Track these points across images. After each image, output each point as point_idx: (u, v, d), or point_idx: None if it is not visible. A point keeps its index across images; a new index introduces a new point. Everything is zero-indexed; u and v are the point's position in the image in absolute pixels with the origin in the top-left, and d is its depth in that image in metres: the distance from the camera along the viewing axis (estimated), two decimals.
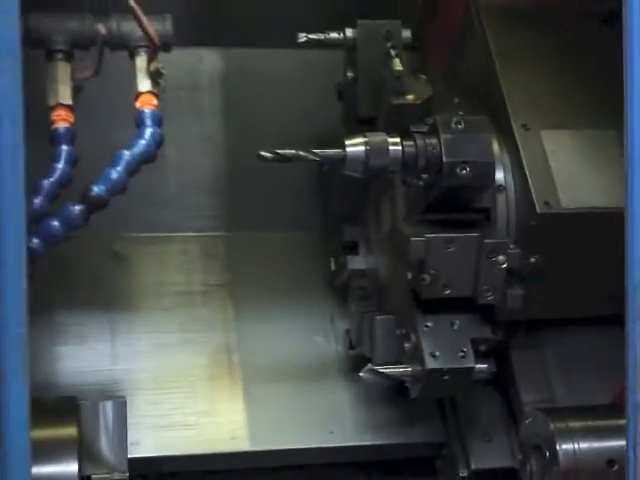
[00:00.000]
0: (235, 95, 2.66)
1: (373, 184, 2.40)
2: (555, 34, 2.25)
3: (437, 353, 2.06)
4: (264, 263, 2.65)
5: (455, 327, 2.10)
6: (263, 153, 1.97)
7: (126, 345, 2.47)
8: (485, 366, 2.13)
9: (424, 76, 2.16)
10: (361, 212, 2.49)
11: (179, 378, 2.46)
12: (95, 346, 2.45)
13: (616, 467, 1.95)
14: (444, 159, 1.93)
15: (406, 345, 2.14)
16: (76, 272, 2.42)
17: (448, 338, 2.09)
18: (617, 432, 1.98)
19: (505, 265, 2.03)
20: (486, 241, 2.01)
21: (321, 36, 2.21)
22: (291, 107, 2.66)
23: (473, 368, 2.08)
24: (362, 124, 2.28)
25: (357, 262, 2.48)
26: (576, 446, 1.97)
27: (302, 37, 2.20)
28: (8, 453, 1.35)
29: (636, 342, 1.44)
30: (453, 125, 1.96)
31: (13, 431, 1.36)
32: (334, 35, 2.21)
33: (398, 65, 2.14)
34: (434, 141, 1.95)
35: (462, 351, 2.07)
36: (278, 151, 1.99)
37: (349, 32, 2.21)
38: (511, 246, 2.03)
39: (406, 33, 2.25)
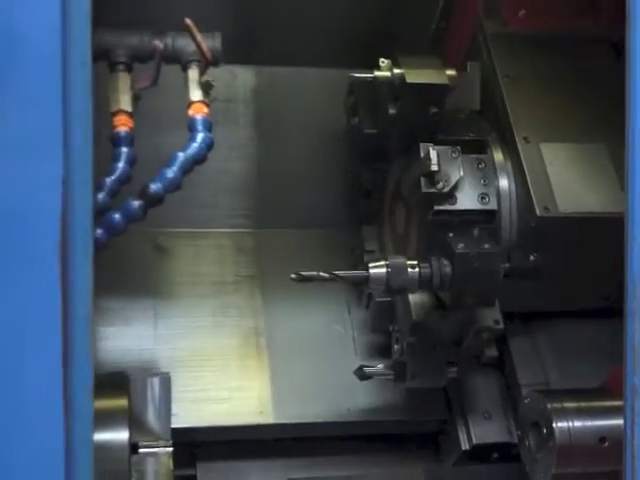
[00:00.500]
0: (265, 108, 2.65)
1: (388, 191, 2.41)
2: (553, 58, 2.25)
3: None
4: (289, 257, 2.62)
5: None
6: (293, 276, 2.02)
7: (166, 327, 2.45)
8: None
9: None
10: (377, 216, 2.49)
11: (213, 357, 2.45)
12: (139, 328, 2.43)
13: (607, 444, 1.94)
14: (454, 287, 1.96)
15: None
16: (123, 262, 2.40)
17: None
18: (607, 412, 1.99)
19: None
20: None
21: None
22: (315, 120, 2.64)
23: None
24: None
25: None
26: (570, 424, 1.96)
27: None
28: (74, 421, 1.34)
29: (634, 331, 1.43)
30: (467, 251, 1.94)
31: (79, 401, 1.34)
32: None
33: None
34: (448, 270, 1.96)
35: None
36: (303, 273, 2.02)
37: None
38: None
39: None
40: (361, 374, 2.28)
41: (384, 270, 1.98)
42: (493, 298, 2.03)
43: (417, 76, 2.07)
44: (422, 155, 1.99)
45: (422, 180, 1.99)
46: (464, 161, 2.02)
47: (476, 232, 1.99)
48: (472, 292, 1.97)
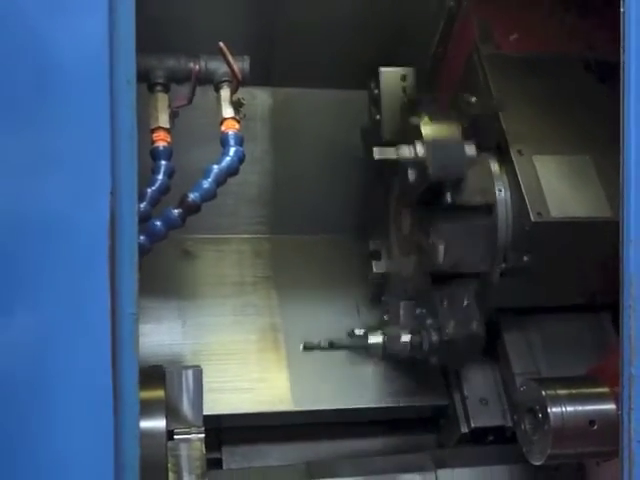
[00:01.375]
0: (281, 125, 2.62)
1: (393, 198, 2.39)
2: (543, 78, 2.22)
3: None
4: (303, 260, 2.61)
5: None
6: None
7: (193, 324, 2.43)
8: None
9: None
10: (384, 222, 2.46)
11: (235, 351, 2.42)
12: (169, 325, 2.40)
13: (596, 427, 1.92)
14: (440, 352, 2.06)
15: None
16: (155, 266, 2.35)
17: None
18: (596, 398, 1.97)
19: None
20: None
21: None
22: (326, 136, 2.61)
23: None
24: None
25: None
26: (563, 409, 1.93)
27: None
28: (123, 409, 1.31)
29: (630, 325, 1.40)
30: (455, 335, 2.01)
31: (126, 391, 1.32)
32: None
33: None
34: (435, 339, 2.03)
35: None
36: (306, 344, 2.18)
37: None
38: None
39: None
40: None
41: (381, 338, 2.10)
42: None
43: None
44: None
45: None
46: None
47: (465, 302, 2.04)
48: (455, 359, 2.12)
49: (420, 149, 1.96)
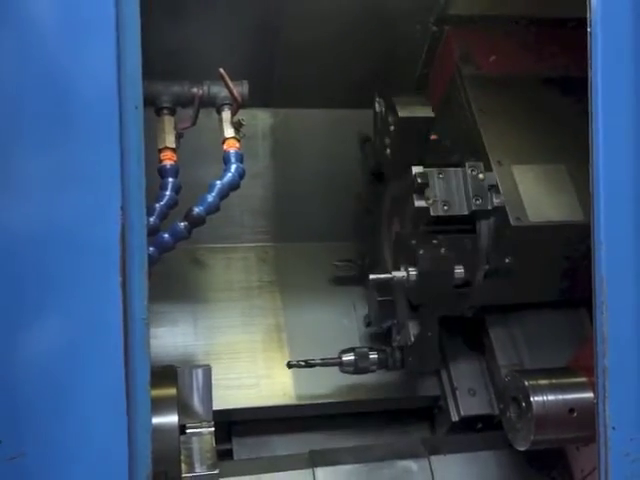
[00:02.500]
0: (281, 143, 2.61)
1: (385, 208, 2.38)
2: (520, 95, 2.21)
3: None
4: (304, 266, 2.60)
5: None
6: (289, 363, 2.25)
7: (204, 326, 2.42)
8: None
9: None
10: (377, 229, 2.45)
11: (242, 350, 2.41)
12: (182, 327, 2.40)
13: (575, 414, 1.89)
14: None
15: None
16: (168, 273, 2.35)
17: None
18: (575, 387, 1.95)
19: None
20: None
21: None
22: (323, 153, 2.60)
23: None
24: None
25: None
26: (545, 398, 1.91)
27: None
28: (135, 407, 1.30)
29: (602, 320, 1.39)
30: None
31: (139, 390, 1.31)
32: None
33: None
34: (398, 356, 2.21)
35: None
36: (291, 362, 2.24)
37: None
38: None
39: None
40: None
41: (352, 356, 2.21)
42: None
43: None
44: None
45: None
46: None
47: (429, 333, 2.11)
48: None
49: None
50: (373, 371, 2.24)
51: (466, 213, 2.01)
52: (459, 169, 2.04)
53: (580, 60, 1.53)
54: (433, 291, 2.03)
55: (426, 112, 2.12)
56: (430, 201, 1.99)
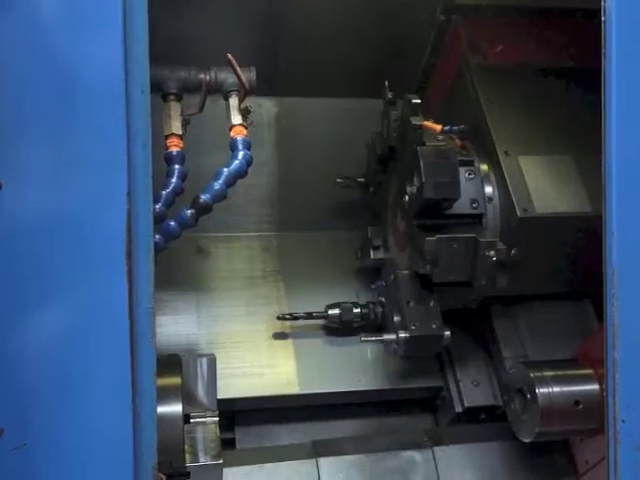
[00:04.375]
0: (286, 132, 2.58)
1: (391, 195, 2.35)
2: (527, 85, 2.18)
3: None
4: (307, 254, 2.57)
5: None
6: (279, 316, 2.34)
7: (207, 315, 2.38)
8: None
9: None
10: (381, 218, 2.42)
11: (246, 339, 2.37)
12: (185, 316, 2.36)
13: (581, 406, 1.87)
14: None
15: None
16: (171, 262, 2.31)
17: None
18: (581, 380, 1.93)
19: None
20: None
21: None
22: (328, 142, 2.57)
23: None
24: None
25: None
26: (550, 390, 1.89)
27: None
28: (141, 396, 1.27)
29: (613, 312, 1.36)
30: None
31: (144, 379, 1.28)
32: None
33: None
34: (379, 310, 2.27)
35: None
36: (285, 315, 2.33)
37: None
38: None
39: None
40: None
41: (338, 310, 2.30)
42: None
43: None
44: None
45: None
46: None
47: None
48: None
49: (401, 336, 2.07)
50: (357, 326, 2.30)
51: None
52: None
53: (589, 51, 1.50)
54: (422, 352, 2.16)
55: None
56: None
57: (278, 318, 2.31)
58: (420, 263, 2.02)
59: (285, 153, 2.58)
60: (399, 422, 2.42)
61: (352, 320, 2.30)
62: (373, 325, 2.30)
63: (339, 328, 2.36)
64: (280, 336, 2.39)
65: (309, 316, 2.30)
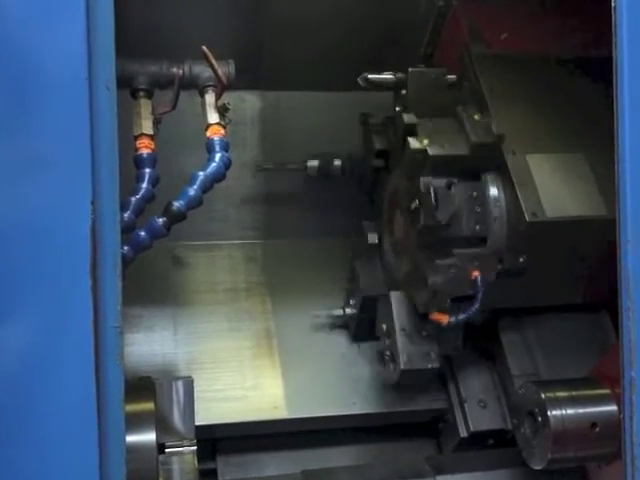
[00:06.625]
0: (270, 129, 2.59)
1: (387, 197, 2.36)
2: (534, 76, 2.19)
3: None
4: (295, 264, 2.58)
5: None
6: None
7: (186, 332, 2.39)
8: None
9: None
10: (378, 221, 2.43)
11: (228, 358, 2.38)
12: (161, 334, 2.36)
13: (597, 429, 1.87)
14: None
15: None
16: (144, 273, 2.31)
17: None
18: (597, 400, 1.93)
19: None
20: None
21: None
22: (314, 138, 2.57)
23: None
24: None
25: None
26: (564, 412, 1.89)
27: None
28: (108, 424, 1.27)
29: (629, 327, 1.36)
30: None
31: (111, 405, 1.28)
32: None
33: None
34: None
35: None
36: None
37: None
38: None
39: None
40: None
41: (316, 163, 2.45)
42: None
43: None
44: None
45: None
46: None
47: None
48: None
49: None
50: (336, 175, 2.43)
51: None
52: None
53: (599, 39, 1.51)
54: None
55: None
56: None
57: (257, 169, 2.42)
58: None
59: (269, 152, 2.58)
60: (398, 448, 2.42)
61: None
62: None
63: None
64: (266, 354, 2.40)
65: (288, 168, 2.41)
